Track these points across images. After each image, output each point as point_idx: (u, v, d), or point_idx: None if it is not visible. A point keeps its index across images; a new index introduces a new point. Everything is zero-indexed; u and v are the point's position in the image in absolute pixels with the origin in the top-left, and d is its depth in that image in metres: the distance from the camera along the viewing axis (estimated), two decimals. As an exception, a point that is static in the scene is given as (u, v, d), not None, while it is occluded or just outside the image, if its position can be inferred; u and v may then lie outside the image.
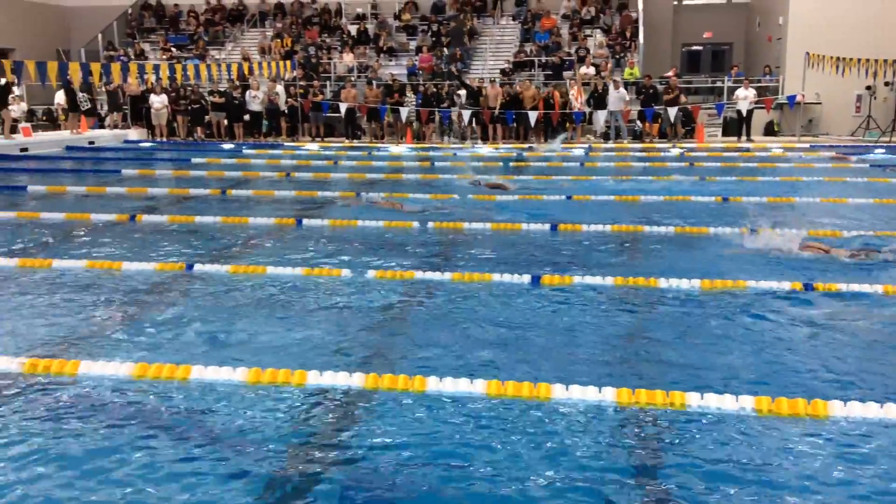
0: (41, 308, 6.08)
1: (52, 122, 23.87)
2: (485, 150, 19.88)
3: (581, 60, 24.04)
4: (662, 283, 6.62)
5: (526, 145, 20.52)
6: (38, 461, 3.65)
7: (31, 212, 10.20)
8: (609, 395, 4.28)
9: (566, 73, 24.04)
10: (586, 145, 20.23)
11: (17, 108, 20.50)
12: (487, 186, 12.56)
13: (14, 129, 19.91)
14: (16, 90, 20.69)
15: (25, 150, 18.62)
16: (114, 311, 6.05)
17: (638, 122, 21.96)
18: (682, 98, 21.68)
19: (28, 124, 21.04)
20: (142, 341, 5.32)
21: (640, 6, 25.81)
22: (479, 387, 4.38)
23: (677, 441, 3.89)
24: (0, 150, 18.03)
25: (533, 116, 21.08)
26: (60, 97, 22.20)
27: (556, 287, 6.59)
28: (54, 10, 29.17)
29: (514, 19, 27.79)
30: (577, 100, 21.66)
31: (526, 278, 6.72)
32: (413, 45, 26.64)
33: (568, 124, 21.84)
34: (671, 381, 4.58)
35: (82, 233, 9.15)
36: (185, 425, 4.05)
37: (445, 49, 25.40)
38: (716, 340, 5.34)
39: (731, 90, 22.22)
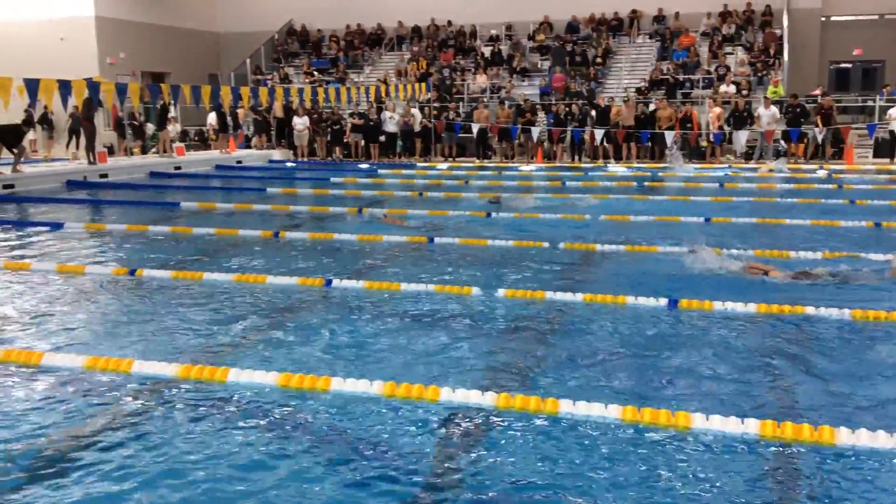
0: (193, 317, 6.44)
1: (203, 142, 25.36)
2: (618, 169, 19.58)
3: (721, 79, 23.34)
4: (810, 310, 6.29)
5: (661, 165, 20.06)
6: (186, 462, 3.85)
7: (184, 227, 10.84)
8: (752, 427, 4.09)
9: (705, 92, 23.39)
10: (726, 166, 19.57)
11: (172, 129, 21.92)
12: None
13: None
14: (172, 111, 22.12)
15: (179, 168, 19.89)
16: (259, 322, 6.32)
17: (782, 143, 21.05)
18: (836, 118, 20.58)
19: (182, 144, 22.44)
20: (284, 352, 5.53)
21: (785, 23, 24.82)
22: (614, 412, 4.29)
23: (828, 481, 3.68)
24: (157, 167, 19.34)
25: (669, 136, 20.60)
26: (212, 119, 23.57)
27: (694, 311, 6.39)
28: (207, 37, 31.03)
29: (650, 37, 27.33)
30: (714, 119, 21.00)
31: (662, 301, 6.55)
32: (546, 65, 26.65)
33: (706, 143, 21.19)
34: (820, 414, 4.33)
35: (230, 247, 9.64)
36: (322, 434, 4.17)
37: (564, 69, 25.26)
38: (873, 372, 5.01)
39: (883, 110, 20.92)
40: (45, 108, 21.73)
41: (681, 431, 4.13)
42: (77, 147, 21.26)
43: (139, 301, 7.00)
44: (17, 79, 14.25)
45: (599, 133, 21.27)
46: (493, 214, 11.96)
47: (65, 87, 14.78)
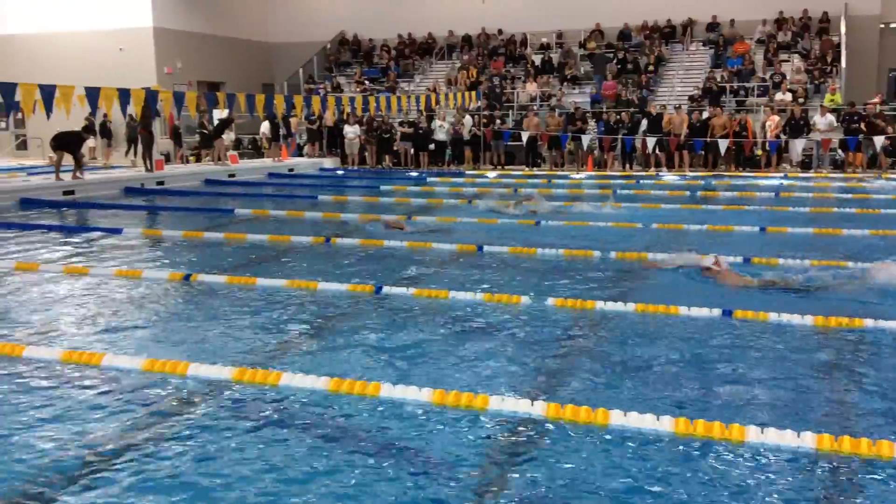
0: (246, 321, 6.54)
1: (256, 151, 25.78)
2: (670, 177, 19.36)
3: (777, 86, 22.94)
4: (868, 323, 6.14)
5: (715, 173, 19.78)
6: (237, 463, 3.90)
7: (238, 233, 11.02)
8: (809, 440, 4.00)
9: (760, 100, 23.01)
10: (782, 174, 19.22)
11: (226, 137, 22.33)
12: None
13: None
14: (231, 122, 22.56)
15: (233, 175, 20.24)
16: (310, 327, 6.40)
17: (839, 152, 20.59)
18: (889, 128, 20.04)
19: (235, 152, 22.85)
20: (334, 357, 5.58)
21: (843, 29, 24.29)
22: (666, 424, 4.23)
23: (888, 497, 3.58)
24: (212, 175, 19.72)
25: (723, 145, 20.31)
26: (265, 127, 23.96)
27: (749, 322, 6.28)
28: (260, 47, 31.55)
29: (704, 45, 26.98)
30: (772, 128, 20.63)
31: (717, 312, 6.45)
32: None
33: (761, 152, 20.84)
34: (879, 427, 4.22)
35: (283, 254, 9.78)
36: (371, 440, 4.19)
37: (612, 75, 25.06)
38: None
39: (946, 119, 20.33)
40: (105, 116, 22.32)
41: (735, 444, 4.05)
42: (135, 154, 21.80)
43: (194, 305, 7.14)
44: (79, 88, 14.66)
45: (651, 141, 21.06)
46: (543, 223, 11.93)
47: (124, 95, 15.16)
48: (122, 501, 3.53)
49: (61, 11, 27.02)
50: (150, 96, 16.48)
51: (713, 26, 27.11)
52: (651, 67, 25.94)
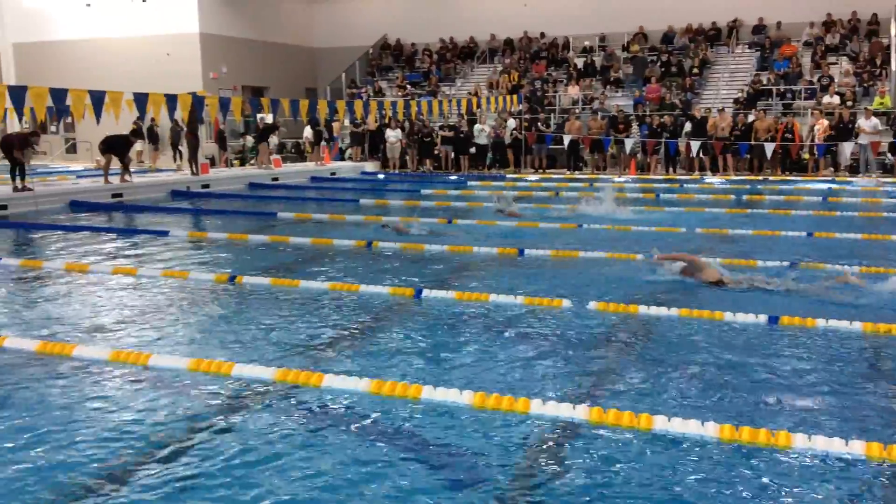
0: (289, 323, 6.61)
1: (299, 154, 26.05)
2: (714, 181, 19.13)
3: (825, 89, 22.52)
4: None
5: (761, 177, 19.49)
6: (278, 463, 3.95)
7: (281, 236, 11.14)
8: (858, 448, 3.92)
9: (807, 103, 22.61)
10: (829, 179, 18.86)
11: (270, 141, 22.61)
12: (508, 214, 13.07)
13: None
14: (275, 127, 22.86)
15: (276, 179, 20.48)
16: (351, 330, 6.44)
17: (889, 155, 20.14)
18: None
19: (279, 156, 23.11)
20: (375, 359, 5.61)
21: (893, 31, 23.75)
22: (711, 430, 4.18)
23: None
24: (256, 179, 19.98)
25: (769, 148, 19.99)
26: (308, 132, 24.20)
27: (796, 328, 6.17)
28: (304, 52, 31.88)
29: (750, 47, 26.60)
30: (820, 131, 20.26)
31: (762, 318, 6.35)
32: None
33: (808, 156, 20.48)
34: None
35: (325, 256, 9.86)
36: (411, 442, 4.20)
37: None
38: None
39: None
40: (152, 120, 22.73)
41: (781, 451, 3.99)
42: (180, 159, 22.18)
43: (239, 307, 7.24)
44: (127, 93, 14.96)
45: (695, 144, 20.82)
46: (584, 226, 11.86)
47: (171, 100, 15.43)
48: (167, 500, 3.59)
49: (111, 18, 27.62)
50: (198, 101, 16.76)
51: (759, 28, 26.72)
52: (695, 70, 25.66)
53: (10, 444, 4.15)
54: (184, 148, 20.14)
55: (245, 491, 3.67)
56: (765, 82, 24.01)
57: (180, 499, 3.60)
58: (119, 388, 5.00)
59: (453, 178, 21.74)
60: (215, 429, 4.36)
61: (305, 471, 3.86)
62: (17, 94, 12.91)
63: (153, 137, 24.26)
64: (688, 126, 21.41)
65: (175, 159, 23.00)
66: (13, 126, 24.66)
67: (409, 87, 28.25)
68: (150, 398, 4.83)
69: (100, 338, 6.19)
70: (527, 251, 9.67)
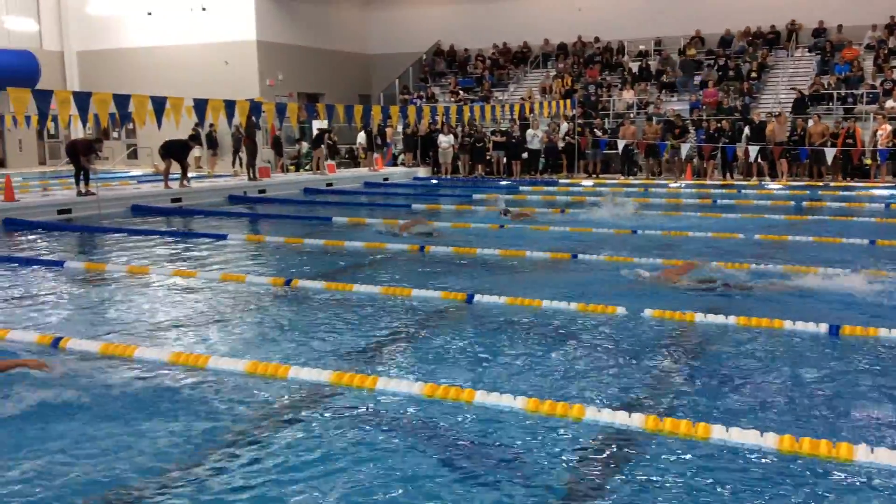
0: (343, 326, 6.68)
1: (352, 160, 26.31)
2: (774, 186, 18.76)
3: (888, 94, 21.91)
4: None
5: (821, 183, 19.06)
6: (334, 464, 3.99)
7: (336, 240, 11.26)
8: (925, 463, 3.81)
9: (869, 107, 22.03)
10: (892, 185, 18.34)
11: (325, 148, 22.89)
12: (513, 217, 13.26)
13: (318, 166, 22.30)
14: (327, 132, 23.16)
15: (331, 184, 20.72)
16: (404, 333, 6.49)
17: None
18: None
19: (332, 162, 23.37)
20: (427, 363, 5.63)
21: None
22: (770, 441, 4.10)
23: None
24: (311, 184, 20.25)
25: (830, 154, 19.53)
26: (361, 138, 24.44)
27: (858, 338, 6.01)
28: (359, 58, 32.19)
29: (810, 51, 26.02)
30: (883, 136, 19.72)
31: (823, 327, 6.21)
32: (697, 79, 25.92)
33: (869, 161, 19.95)
34: None
35: (378, 261, 9.94)
36: (464, 446, 4.21)
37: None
38: None
39: None
40: (211, 126, 23.19)
41: (842, 463, 3.89)
42: (240, 164, 22.59)
43: (294, 310, 7.34)
44: (187, 99, 15.30)
45: (753, 149, 20.44)
46: (639, 232, 11.75)
47: (230, 107, 15.73)
48: (224, 500, 3.65)
49: (171, 26, 28.26)
50: (255, 108, 17.06)
51: (819, 31, 26.12)
52: (753, 74, 25.20)
53: (70, 442, 4.26)
54: (244, 154, 20.52)
55: (294, 492, 3.71)
56: (825, 86, 23.45)
57: (237, 499, 3.66)
58: (178, 391, 5.10)
59: (505, 183, 21.71)
60: (272, 430, 4.43)
61: (357, 473, 3.89)
62: (82, 101, 13.30)
63: (213, 143, 24.74)
64: (746, 130, 21.03)
65: (234, 164, 23.43)
66: (77, 132, 25.43)
67: (461, 92, 28.32)
68: (207, 400, 4.92)
69: (160, 340, 6.34)
70: (580, 255, 9.62)
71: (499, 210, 13.66)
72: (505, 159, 23.80)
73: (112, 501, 3.65)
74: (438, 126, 24.03)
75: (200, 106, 15.14)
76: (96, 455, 4.10)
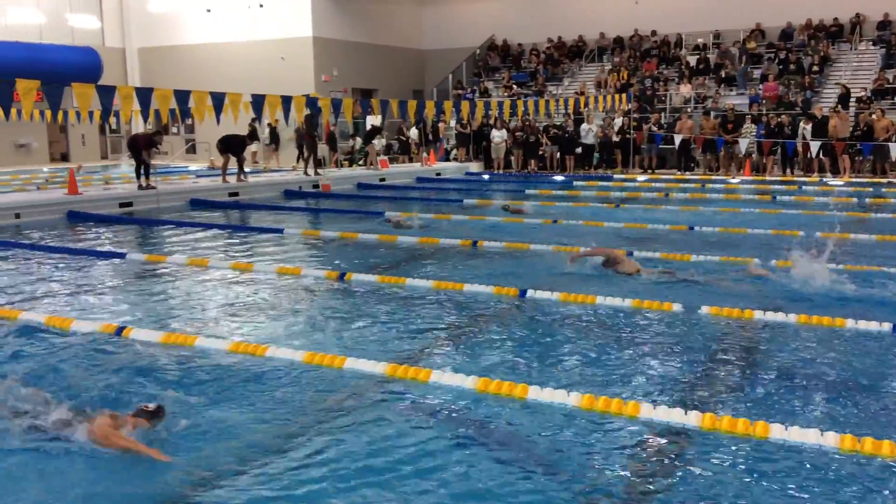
0: (397, 319, 6.74)
1: (405, 155, 26.39)
2: (836, 183, 18.29)
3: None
4: None
5: (885, 180, 18.51)
6: (386, 456, 4.03)
7: (389, 235, 11.34)
8: None
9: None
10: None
11: (377, 143, 23.03)
12: (511, 211, 13.60)
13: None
14: (381, 129, 23.30)
15: (383, 179, 20.85)
16: (456, 327, 6.50)
17: None
18: None
19: (385, 157, 23.50)
20: (479, 357, 5.64)
21: None
22: (831, 440, 4.02)
23: None
24: (364, 179, 20.40)
25: (894, 150, 18.95)
26: (414, 133, 24.52)
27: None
28: (413, 54, 32.31)
29: (874, 44, 25.27)
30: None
31: (886, 326, 6.05)
32: (757, 73, 25.39)
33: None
34: None
35: (431, 255, 9.98)
36: (516, 441, 4.21)
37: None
38: None
39: None
40: (269, 123, 23.48)
41: (908, 467, 3.80)
42: (304, 161, 22.83)
43: (348, 303, 7.41)
44: (245, 95, 15.55)
45: (815, 145, 19.95)
46: (696, 228, 11.58)
47: (286, 102, 15.93)
48: (281, 492, 3.71)
49: (230, 23, 28.75)
50: (311, 103, 17.25)
51: (885, 24, 25.34)
52: (815, 68, 24.58)
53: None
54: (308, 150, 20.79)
55: (346, 480, 3.76)
56: (891, 80, 22.75)
57: (295, 490, 3.71)
58: (237, 379, 5.20)
59: (559, 178, 21.58)
60: (327, 421, 4.49)
61: (407, 466, 3.92)
62: (144, 96, 13.61)
63: (275, 138, 25.02)
64: (808, 126, 20.53)
65: (298, 161, 23.74)
66: (137, 128, 26.03)
67: (515, 87, 28.22)
68: (267, 389, 5.01)
69: (219, 330, 6.47)
70: (636, 252, 9.52)
71: (502, 205, 14.19)
72: (558, 154, 23.65)
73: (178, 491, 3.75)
74: (491, 121, 23.98)
75: (258, 102, 15.36)
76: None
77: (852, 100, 22.22)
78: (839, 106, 21.20)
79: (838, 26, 26.13)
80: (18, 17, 27.43)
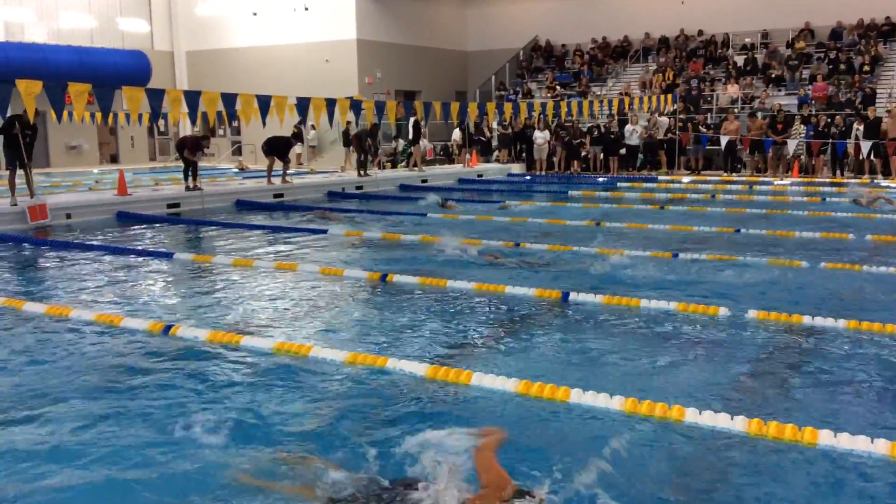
0: (438, 321, 6.74)
1: (447, 157, 26.47)
2: (886, 184, 17.87)
3: None
4: None
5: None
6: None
7: (431, 236, 11.35)
8: None
9: None
10: None
11: (421, 145, 23.11)
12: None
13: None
14: (423, 128, 23.34)
15: (426, 181, 20.90)
16: (497, 330, 6.49)
17: None
18: None
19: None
20: (521, 360, 5.62)
21: None
22: (881, 447, 3.92)
23: None
24: (407, 180, 20.48)
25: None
26: (457, 134, 24.55)
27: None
28: (456, 55, 32.36)
29: (928, 42, 24.66)
30: None
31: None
32: (806, 73, 24.93)
33: None
34: None
35: (473, 256, 9.96)
36: (557, 446, 4.18)
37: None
38: None
39: None
40: (313, 126, 23.71)
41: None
42: (355, 162, 22.96)
43: (390, 304, 7.44)
44: (291, 97, 15.73)
45: (866, 146, 19.51)
46: (742, 230, 11.40)
47: (331, 105, 16.06)
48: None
49: (276, 26, 29.12)
50: (355, 106, 17.37)
51: (941, 21, 24.73)
52: (866, 68, 24.04)
53: (177, 426, 4.44)
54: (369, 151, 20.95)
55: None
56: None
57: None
58: (279, 379, 5.26)
59: (602, 179, 21.42)
60: (368, 420, 4.51)
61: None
62: (192, 99, 13.84)
63: (318, 141, 25.23)
64: (860, 127, 20.08)
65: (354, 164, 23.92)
66: (185, 130, 26.49)
67: (558, 87, 28.09)
68: (310, 389, 5.06)
69: (264, 330, 6.55)
70: (680, 255, 9.41)
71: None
72: (602, 155, 23.48)
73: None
74: (534, 122, 23.91)
75: (303, 104, 15.52)
76: (196, 442, 4.27)
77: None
78: (894, 107, 20.70)
79: (890, 25, 25.55)
80: (70, 21, 28.13)
